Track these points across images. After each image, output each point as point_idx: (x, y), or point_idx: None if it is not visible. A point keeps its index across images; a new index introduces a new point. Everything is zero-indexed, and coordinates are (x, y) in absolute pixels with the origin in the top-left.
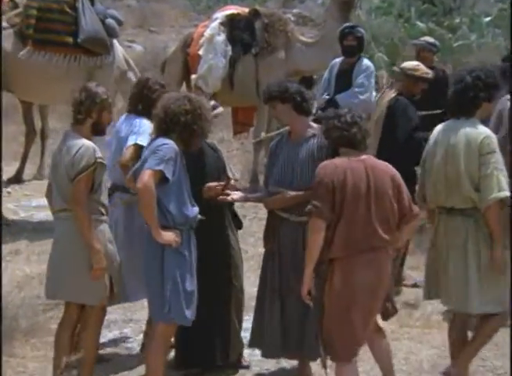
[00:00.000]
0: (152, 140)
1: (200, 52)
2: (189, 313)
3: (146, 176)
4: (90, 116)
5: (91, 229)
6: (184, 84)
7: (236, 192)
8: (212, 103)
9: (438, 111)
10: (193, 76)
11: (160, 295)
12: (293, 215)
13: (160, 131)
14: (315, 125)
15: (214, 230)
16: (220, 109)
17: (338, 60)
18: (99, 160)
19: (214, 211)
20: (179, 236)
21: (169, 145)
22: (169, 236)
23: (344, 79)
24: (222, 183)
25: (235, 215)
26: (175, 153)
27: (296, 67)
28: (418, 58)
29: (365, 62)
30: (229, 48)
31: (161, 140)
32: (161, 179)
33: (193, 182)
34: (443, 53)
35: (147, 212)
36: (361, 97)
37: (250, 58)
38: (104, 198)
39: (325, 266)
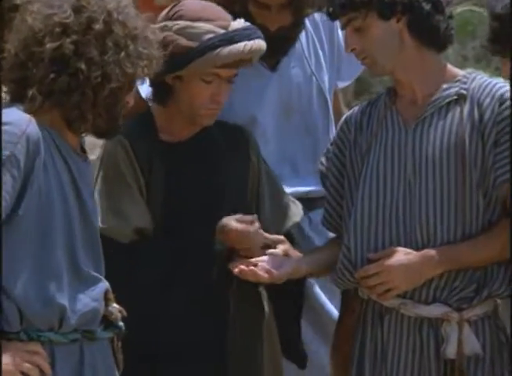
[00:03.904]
0: None
1: None
2: None
3: None
4: None
5: None
6: None
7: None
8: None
9: None
10: None
11: None
12: (409, 303)
13: (12, 88)
14: (461, 72)
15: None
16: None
17: None
18: None
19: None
20: (44, 358)
21: (12, 125)
22: (7, 362)
23: None
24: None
25: (290, 340)
26: (27, 145)
27: None
28: None
29: None
30: None
31: (4, 113)
32: None
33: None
34: None
35: None
36: None
37: None
38: None
39: None
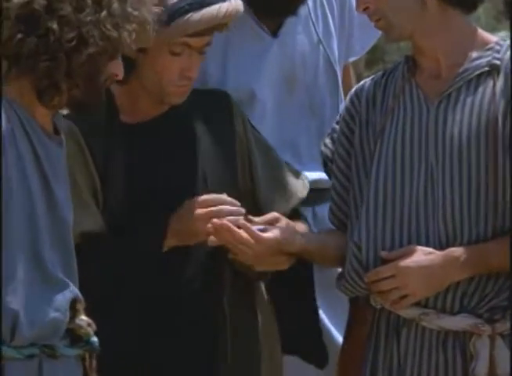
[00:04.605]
0: None
1: None
2: None
3: None
4: None
5: None
6: None
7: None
8: None
9: None
10: None
11: None
12: (432, 313)
13: None
14: (493, 38)
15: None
16: None
17: None
18: None
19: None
20: None
21: None
22: None
23: None
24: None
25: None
26: None
27: None
28: None
29: None
30: None
31: None
32: None
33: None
34: None
35: None
36: None
37: None
38: None
39: None
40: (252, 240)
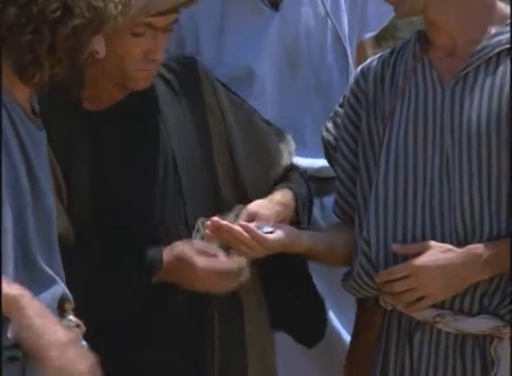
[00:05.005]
0: None
1: None
2: None
3: None
4: None
5: None
6: None
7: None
8: None
9: None
10: None
11: None
12: (448, 314)
13: None
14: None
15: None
16: None
17: None
18: None
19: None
20: None
21: None
22: None
23: None
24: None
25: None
26: None
27: None
28: None
29: None
30: None
31: None
32: None
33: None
34: None
35: None
36: None
37: None
38: None
39: None
40: (255, 242)
